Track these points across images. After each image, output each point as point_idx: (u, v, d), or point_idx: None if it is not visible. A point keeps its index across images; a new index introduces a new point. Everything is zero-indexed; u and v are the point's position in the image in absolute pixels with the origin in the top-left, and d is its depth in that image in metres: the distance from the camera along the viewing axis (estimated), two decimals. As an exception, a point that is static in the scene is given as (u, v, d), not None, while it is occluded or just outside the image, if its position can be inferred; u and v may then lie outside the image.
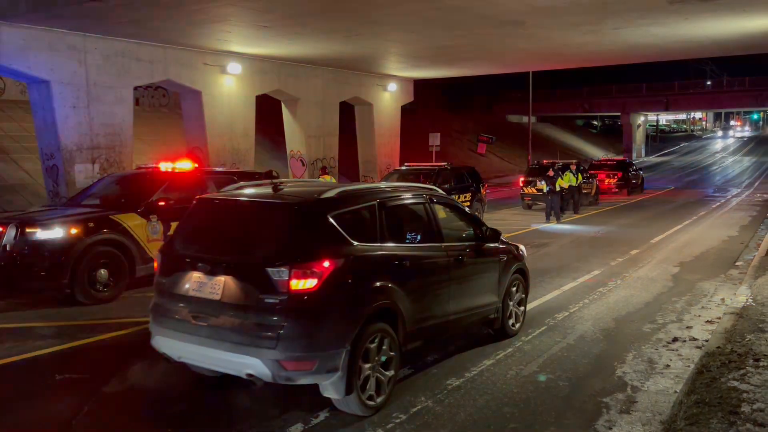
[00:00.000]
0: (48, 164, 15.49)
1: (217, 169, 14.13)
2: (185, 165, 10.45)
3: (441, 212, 6.33)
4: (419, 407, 5.08)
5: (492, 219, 18.79)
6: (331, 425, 4.77)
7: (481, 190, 17.53)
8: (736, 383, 5.08)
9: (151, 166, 10.73)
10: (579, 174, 20.64)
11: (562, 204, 18.90)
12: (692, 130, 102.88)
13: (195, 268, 4.92)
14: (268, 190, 5.35)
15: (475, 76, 28.99)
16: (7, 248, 8.28)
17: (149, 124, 25.21)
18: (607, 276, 10.40)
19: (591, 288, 9.51)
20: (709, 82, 62.15)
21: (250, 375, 4.65)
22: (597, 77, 56.83)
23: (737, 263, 11.42)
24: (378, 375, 4.97)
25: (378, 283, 5.04)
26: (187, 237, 5.34)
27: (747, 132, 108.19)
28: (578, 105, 61.57)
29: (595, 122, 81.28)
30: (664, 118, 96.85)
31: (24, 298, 8.85)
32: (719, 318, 7.50)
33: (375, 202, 5.42)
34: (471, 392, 5.41)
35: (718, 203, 23.74)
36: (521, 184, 22.29)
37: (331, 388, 4.70)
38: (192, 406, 5.19)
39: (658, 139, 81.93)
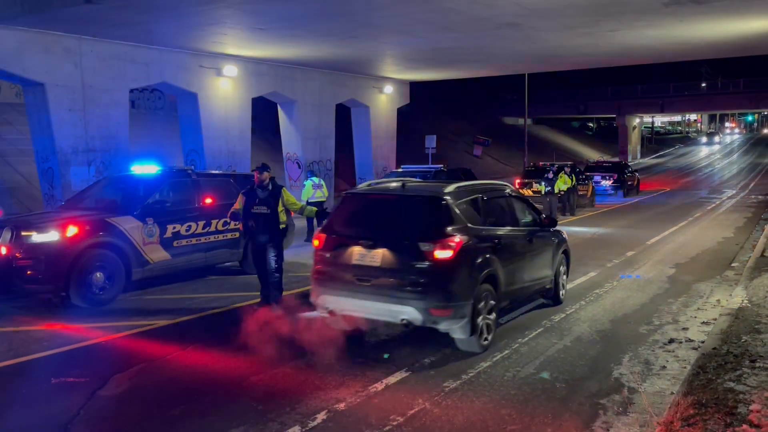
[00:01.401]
0: (44, 167, 15.45)
1: (213, 172, 14.16)
2: (182, 167, 10.44)
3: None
4: (417, 409, 5.08)
5: (488, 221, 18.80)
6: (328, 428, 4.77)
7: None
8: (732, 384, 5.09)
9: (147, 168, 10.70)
10: (573, 176, 20.71)
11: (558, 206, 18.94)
12: (687, 132, 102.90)
13: (357, 244, 6.56)
14: (399, 186, 7.21)
15: (471, 78, 29.03)
16: (3, 251, 8.25)
17: (145, 127, 25.16)
18: (603, 277, 10.42)
19: (587, 290, 9.53)
20: (703, 84, 62.27)
21: (404, 320, 6.35)
22: (592, 79, 56.98)
23: (733, 264, 11.46)
24: (487, 322, 6.63)
25: (486, 255, 6.73)
26: (343, 221, 7.04)
27: (737, 135, 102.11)
28: (574, 107, 61.68)
29: (591, 124, 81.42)
30: (660, 120, 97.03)
31: (19, 302, 8.82)
32: (715, 319, 7.52)
33: (478, 196, 7.18)
34: (469, 394, 5.41)
35: (714, 204, 23.82)
36: (517, 186, 22.32)
37: (459, 331, 6.35)
38: (189, 408, 5.18)
39: (654, 140, 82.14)
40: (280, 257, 8.49)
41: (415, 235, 6.45)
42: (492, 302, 6.73)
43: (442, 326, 6.35)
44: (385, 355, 6.52)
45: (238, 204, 8.53)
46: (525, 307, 8.28)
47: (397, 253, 6.39)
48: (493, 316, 6.76)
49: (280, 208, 8.35)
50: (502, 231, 7.31)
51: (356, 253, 6.57)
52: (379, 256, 6.42)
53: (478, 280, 6.50)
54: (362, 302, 6.50)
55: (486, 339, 6.62)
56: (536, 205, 8.90)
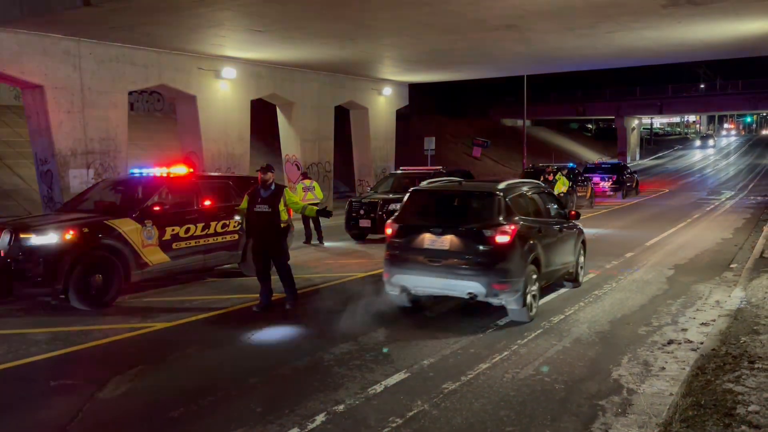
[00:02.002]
0: (42, 169, 15.44)
1: (212, 174, 14.16)
2: (180, 170, 10.42)
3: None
4: (416, 411, 5.08)
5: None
6: (327, 429, 4.77)
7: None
8: (731, 385, 5.10)
9: (145, 170, 10.70)
10: (568, 178, 20.72)
11: None
12: (686, 134, 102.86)
13: (427, 231, 7.72)
14: (456, 183, 8.94)
15: (469, 80, 29.06)
16: (1, 254, 8.25)
17: (144, 129, 25.17)
18: (602, 279, 10.43)
19: (586, 291, 9.53)
20: (702, 86, 62.34)
21: (470, 293, 7.52)
22: (591, 81, 57.02)
23: (732, 265, 11.46)
24: (532, 296, 7.81)
25: (532, 241, 7.91)
26: (412, 213, 8.21)
27: (734, 137, 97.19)
28: (573, 108, 61.74)
29: (590, 125, 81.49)
30: (659, 122, 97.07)
31: (18, 304, 8.82)
32: (714, 320, 7.53)
33: (523, 191, 8.58)
34: (467, 396, 5.41)
35: (712, 206, 23.84)
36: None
37: (514, 303, 7.50)
38: (188, 411, 5.17)
39: (653, 142, 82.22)
40: (284, 256, 8.61)
41: (478, 223, 7.66)
42: (535, 281, 7.93)
43: (500, 299, 7.51)
44: (385, 350, 6.58)
45: (244, 203, 8.67)
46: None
47: (463, 238, 7.58)
48: (536, 292, 8.01)
49: (282, 207, 8.44)
50: (541, 222, 8.58)
51: (427, 239, 7.72)
52: (448, 241, 7.61)
53: (527, 261, 7.72)
54: (433, 279, 7.70)
55: (532, 311, 7.81)
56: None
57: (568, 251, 9.36)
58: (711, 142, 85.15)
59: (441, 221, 7.87)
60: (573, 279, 9.69)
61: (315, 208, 9.47)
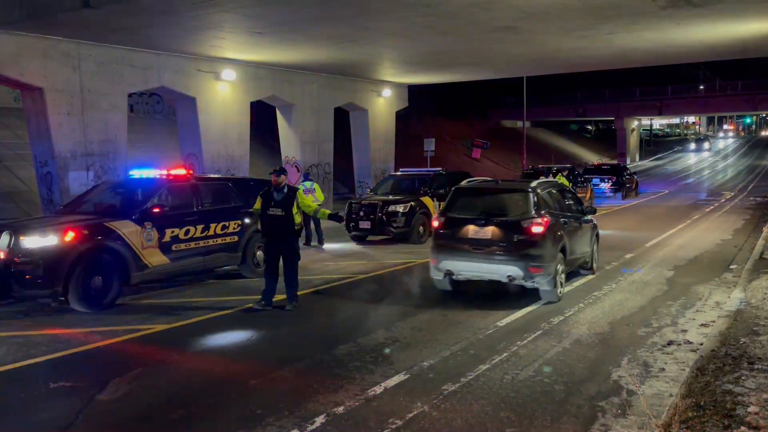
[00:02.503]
0: (42, 171, 15.44)
1: (212, 176, 14.16)
2: (179, 172, 10.44)
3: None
4: (416, 413, 5.08)
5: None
6: (327, 431, 4.77)
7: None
8: (731, 386, 5.10)
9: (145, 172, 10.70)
10: (568, 179, 20.78)
11: None
12: (686, 135, 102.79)
13: (471, 223, 8.87)
14: (493, 182, 10.31)
15: (469, 81, 29.07)
16: (1, 256, 8.25)
17: (144, 131, 25.16)
18: (602, 280, 10.43)
19: (586, 292, 9.53)
20: (701, 87, 62.30)
21: (509, 276, 8.59)
22: (591, 82, 56.99)
23: (731, 266, 11.46)
24: (561, 280, 8.99)
25: (560, 232, 9.09)
26: (455, 208, 9.28)
27: (731, 140, 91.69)
28: (572, 110, 61.73)
29: (590, 127, 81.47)
30: (658, 123, 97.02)
31: (18, 306, 8.82)
32: (714, 321, 7.53)
33: (551, 189, 9.84)
34: (467, 397, 5.41)
35: (712, 207, 23.84)
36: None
37: (546, 284, 8.59)
38: (188, 412, 5.17)
39: (652, 143, 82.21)
40: (296, 257, 8.74)
41: (515, 216, 8.83)
42: (563, 267, 9.04)
43: (535, 281, 8.56)
44: (386, 350, 6.63)
45: (257, 205, 8.85)
46: (528, 307, 8.35)
47: (503, 229, 8.71)
48: (564, 277, 9.15)
49: (295, 210, 8.59)
50: (567, 215, 9.72)
51: (471, 230, 8.86)
52: (490, 231, 8.75)
53: (557, 249, 8.90)
54: (477, 264, 8.81)
55: (561, 292, 8.94)
56: None
57: (586, 242, 10.49)
58: (706, 145, 78.17)
59: (483, 214, 8.97)
60: (589, 267, 10.79)
61: (327, 211, 9.64)
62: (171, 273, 9.74)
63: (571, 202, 10.55)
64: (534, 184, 9.43)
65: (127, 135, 16.56)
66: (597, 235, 11.23)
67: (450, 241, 9.03)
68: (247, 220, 10.60)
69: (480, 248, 8.74)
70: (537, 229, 8.59)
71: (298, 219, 8.65)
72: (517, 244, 8.59)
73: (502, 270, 8.64)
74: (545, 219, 8.73)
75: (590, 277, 10.64)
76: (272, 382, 5.85)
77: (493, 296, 9.27)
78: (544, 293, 8.71)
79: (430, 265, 9.25)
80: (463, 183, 10.07)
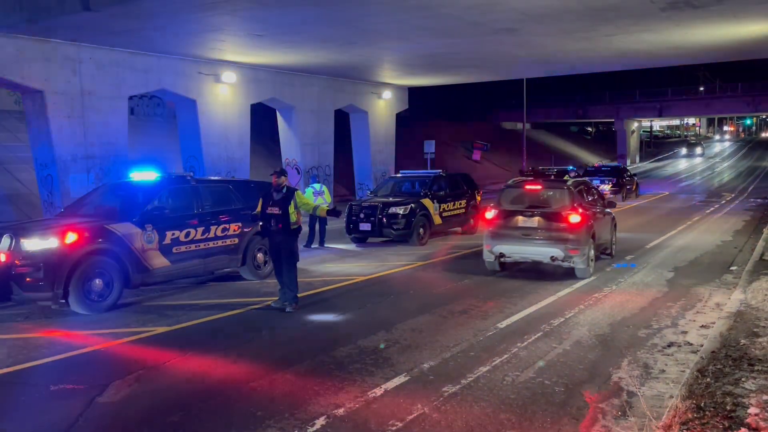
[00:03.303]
0: (43, 174, 15.46)
1: (212, 178, 14.17)
2: (181, 174, 10.45)
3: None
4: (416, 414, 5.08)
5: (487, 226, 18.81)
6: (328, 433, 4.77)
7: (476, 196, 17.57)
8: (731, 388, 5.10)
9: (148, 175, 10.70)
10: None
11: None
12: (685, 136, 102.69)
13: (520, 214, 10.83)
14: (535, 180, 12.28)
15: (469, 83, 29.09)
16: (2, 258, 8.25)
17: (144, 134, 25.18)
18: (602, 281, 10.43)
19: (586, 293, 9.54)
20: (702, 88, 62.31)
21: (552, 257, 10.49)
22: (591, 84, 57.04)
23: (731, 268, 11.46)
24: (592, 260, 10.81)
25: (591, 222, 10.91)
26: (506, 201, 11.21)
27: (728, 143, 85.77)
28: (572, 111, 61.73)
29: (590, 128, 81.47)
30: (658, 124, 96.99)
31: (19, 308, 8.83)
32: (714, 323, 7.52)
33: (582, 186, 11.88)
34: (468, 399, 5.41)
35: (712, 208, 23.83)
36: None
37: (581, 263, 10.48)
38: (188, 415, 5.18)
39: (653, 144, 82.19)
40: (294, 257, 8.84)
41: (560, 207, 10.71)
42: (593, 249, 10.89)
43: (572, 261, 10.44)
44: (384, 351, 6.66)
45: (259, 207, 9.03)
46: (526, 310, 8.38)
47: (547, 218, 10.65)
48: (593, 257, 10.93)
49: (292, 209, 8.72)
50: (594, 208, 11.60)
51: (520, 219, 10.82)
52: (536, 220, 10.70)
53: (589, 235, 10.72)
54: (525, 248, 10.74)
55: (591, 270, 10.78)
56: None
57: (608, 230, 12.35)
58: (698, 150, 69.37)
59: (530, 207, 10.88)
60: (609, 253, 12.53)
61: (325, 207, 9.82)
62: (171, 275, 9.75)
63: (596, 197, 12.42)
64: (570, 182, 11.47)
65: (127, 137, 16.58)
66: (615, 225, 13.13)
67: (502, 229, 10.88)
68: (247, 222, 10.62)
69: (528, 234, 10.66)
70: (575, 219, 10.47)
71: (294, 218, 8.75)
72: (558, 230, 10.48)
73: (546, 252, 10.52)
74: (581, 210, 10.63)
75: (591, 278, 10.65)
76: (272, 384, 5.86)
77: (493, 298, 9.28)
78: (578, 270, 10.57)
79: (484, 249, 11.11)
80: (511, 182, 12.07)
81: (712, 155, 69.20)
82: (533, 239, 10.62)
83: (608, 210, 12.63)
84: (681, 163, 62.82)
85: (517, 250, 10.81)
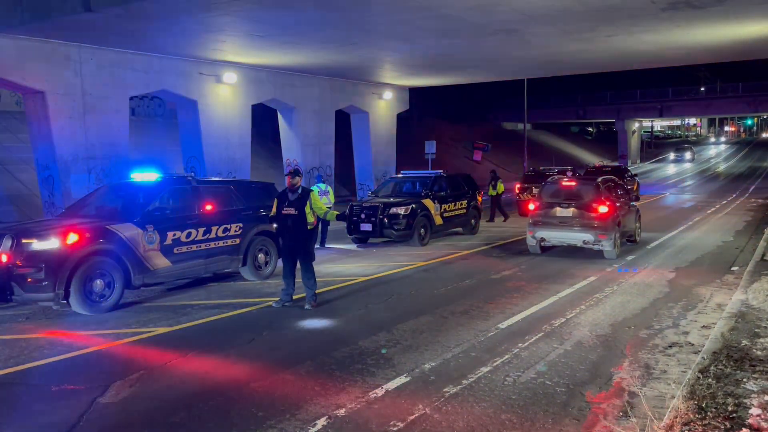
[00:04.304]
0: (44, 175, 15.48)
1: (213, 179, 14.18)
2: (182, 174, 10.45)
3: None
4: (417, 415, 5.08)
5: (488, 225, 18.82)
6: (329, 434, 4.77)
7: (477, 197, 17.58)
8: (732, 388, 5.09)
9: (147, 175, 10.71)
10: None
11: None
12: (686, 136, 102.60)
13: (558, 205, 12.88)
14: (568, 178, 14.58)
15: (470, 83, 29.10)
16: (3, 259, 8.26)
17: (145, 134, 25.21)
18: (603, 282, 10.43)
19: (587, 294, 9.53)
20: (702, 88, 62.26)
21: (584, 241, 12.45)
22: (591, 84, 57.00)
23: (733, 268, 11.45)
24: (618, 244, 12.79)
25: (616, 212, 12.85)
26: (546, 195, 13.33)
27: (724, 145, 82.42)
28: (573, 112, 61.72)
29: (590, 129, 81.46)
30: (659, 125, 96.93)
31: (20, 309, 8.83)
32: (715, 323, 7.51)
33: (609, 183, 13.74)
34: (469, 399, 5.41)
35: (713, 208, 23.82)
36: (517, 191, 22.34)
37: (609, 246, 12.37)
38: (189, 414, 5.18)
39: (653, 145, 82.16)
40: (310, 257, 8.89)
41: (590, 201, 12.67)
42: (618, 235, 12.81)
43: (601, 245, 12.34)
44: (385, 352, 6.63)
45: (274, 208, 9.02)
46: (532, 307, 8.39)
47: (581, 209, 12.63)
48: (619, 242, 12.89)
49: (308, 209, 8.74)
50: (621, 201, 13.57)
51: (558, 210, 12.89)
52: (571, 211, 12.72)
53: (615, 223, 12.67)
54: (562, 233, 12.81)
55: (617, 252, 12.62)
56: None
57: (632, 220, 14.27)
58: (688, 155, 64.06)
59: (566, 200, 12.91)
60: (633, 240, 14.38)
61: (336, 212, 9.80)
62: (172, 276, 9.75)
63: (622, 192, 14.43)
64: (600, 179, 13.49)
65: (128, 138, 16.59)
66: (639, 216, 14.92)
67: (543, 218, 12.97)
68: (248, 223, 10.63)
69: (565, 222, 12.73)
70: (603, 210, 12.48)
71: (311, 218, 8.79)
72: (590, 219, 12.46)
73: (579, 237, 12.51)
74: (609, 202, 12.68)
75: (592, 279, 10.65)
76: (273, 384, 5.86)
77: (495, 298, 9.28)
78: (607, 253, 12.42)
79: (528, 235, 13.17)
80: (550, 179, 14.26)
81: (705, 159, 67.38)
82: (569, 226, 12.62)
83: (633, 203, 14.63)
84: (681, 164, 62.72)
85: (555, 236, 12.82)
